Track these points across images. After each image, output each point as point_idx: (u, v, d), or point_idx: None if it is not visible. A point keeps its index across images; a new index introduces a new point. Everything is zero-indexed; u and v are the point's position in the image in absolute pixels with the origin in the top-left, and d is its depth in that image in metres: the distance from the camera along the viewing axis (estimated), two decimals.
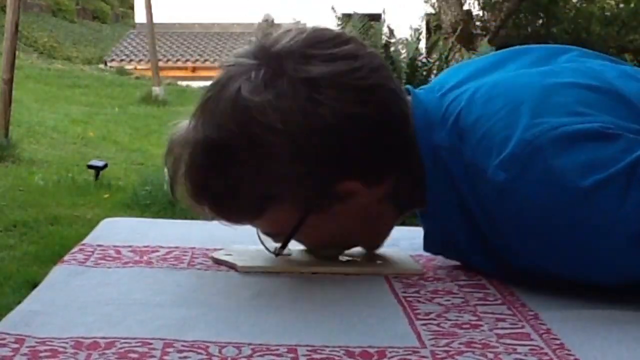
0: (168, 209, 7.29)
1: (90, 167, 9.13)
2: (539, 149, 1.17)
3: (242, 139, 1.25)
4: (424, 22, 15.25)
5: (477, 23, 13.54)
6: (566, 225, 1.16)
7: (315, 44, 1.28)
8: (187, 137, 1.30)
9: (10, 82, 9.91)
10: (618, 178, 1.14)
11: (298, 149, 1.24)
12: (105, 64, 23.89)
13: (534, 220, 1.18)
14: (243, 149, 1.25)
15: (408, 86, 1.37)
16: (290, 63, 1.25)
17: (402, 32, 8.50)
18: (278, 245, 1.37)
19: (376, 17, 8.49)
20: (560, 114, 1.20)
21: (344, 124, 1.24)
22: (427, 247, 1.41)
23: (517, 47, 1.47)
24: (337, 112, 1.24)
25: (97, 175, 8.96)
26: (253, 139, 1.24)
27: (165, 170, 1.36)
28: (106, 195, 8.25)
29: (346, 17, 8.12)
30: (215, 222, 1.36)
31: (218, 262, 1.39)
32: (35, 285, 1.27)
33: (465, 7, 13.13)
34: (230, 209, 1.32)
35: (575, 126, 1.18)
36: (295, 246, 1.39)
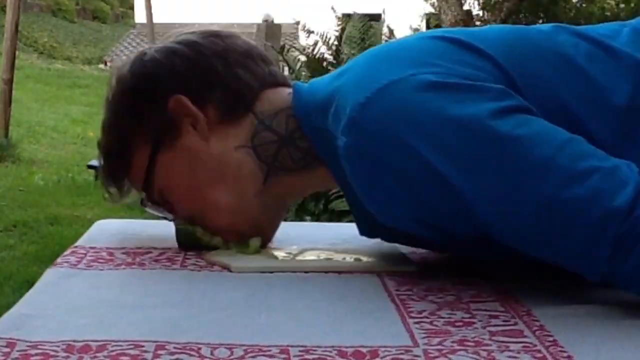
0: None
1: (90, 167, 9.12)
2: (369, 108, 1.18)
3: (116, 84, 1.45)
4: (424, 22, 15.23)
5: (477, 23, 13.53)
6: (406, 179, 1.17)
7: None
8: None
9: (10, 82, 9.92)
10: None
11: (138, 79, 1.43)
12: (105, 64, 23.87)
13: (378, 178, 1.19)
14: (111, 95, 1.46)
15: (294, 82, 1.45)
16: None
17: (402, 32, 8.49)
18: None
19: (376, 17, 8.47)
20: (402, 65, 1.21)
21: (175, 47, 1.44)
22: (360, 231, 1.43)
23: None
24: (175, 42, 1.45)
25: (97, 175, 8.95)
26: (112, 81, 1.46)
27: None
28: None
29: (346, 17, 8.10)
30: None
31: (211, 262, 1.38)
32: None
33: (465, 7, 13.10)
34: (108, 157, 1.47)
35: (413, 77, 1.18)
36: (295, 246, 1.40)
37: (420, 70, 1.19)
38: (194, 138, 1.40)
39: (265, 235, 1.46)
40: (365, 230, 1.42)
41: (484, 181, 1.13)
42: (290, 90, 1.43)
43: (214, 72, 1.41)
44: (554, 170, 1.11)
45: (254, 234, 1.43)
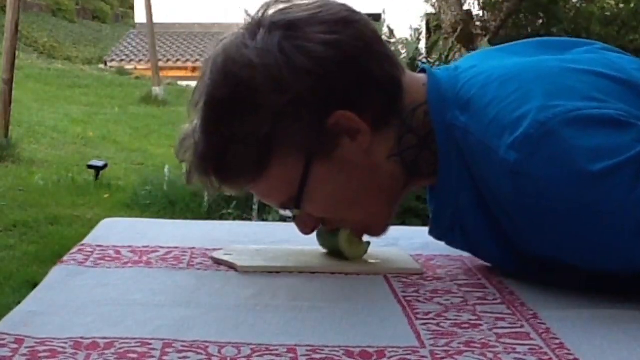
0: (168, 209, 7.31)
1: (90, 167, 9.14)
2: (552, 131, 1.15)
3: (230, 90, 1.28)
4: (424, 22, 15.24)
5: (477, 23, 13.54)
6: (574, 209, 1.15)
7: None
8: (191, 120, 1.34)
9: (10, 82, 9.91)
10: (629, 166, 1.13)
11: (278, 83, 1.25)
12: (105, 64, 23.88)
13: (542, 202, 1.16)
14: (233, 99, 1.28)
15: (424, 65, 1.37)
16: (268, 18, 1.30)
17: (402, 32, 8.48)
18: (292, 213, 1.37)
19: (376, 17, 8.46)
20: (575, 98, 1.19)
21: (318, 52, 1.26)
22: (432, 229, 1.40)
23: (537, 38, 1.47)
24: (312, 42, 1.27)
25: (97, 175, 8.97)
26: (239, 86, 1.27)
27: (181, 163, 1.38)
28: (106, 195, 8.25)
29: None
30: (214, 222, 1.37)
31: (218, 262, 1.39)
32: (35, 285, 1.27)
33: (465, 7, 13.13)
34: (233, 168, 1.31)
35: (590, 111, 1.17)
36: (295, 247, 1.40)
37: (593, 105, 1.19)
38: (352, 151, 1.29)
39: (384, 233, 1.42)
40: (440, 228, 1.39)
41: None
42: (420, 76, 1.35)
43: (367, 74, 1.29)
44: None
45: (376, 234, 1.41)
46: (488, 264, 1.39)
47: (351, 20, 1.31)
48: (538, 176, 1.16)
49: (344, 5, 1.33)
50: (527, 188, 1.17)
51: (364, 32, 1.31)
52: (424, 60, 7.36)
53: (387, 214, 1.38)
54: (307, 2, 1.32)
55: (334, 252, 1.41)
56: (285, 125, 1.27)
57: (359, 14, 1.34)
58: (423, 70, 1.36)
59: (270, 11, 1.31)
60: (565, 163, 1.14)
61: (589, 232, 1.15)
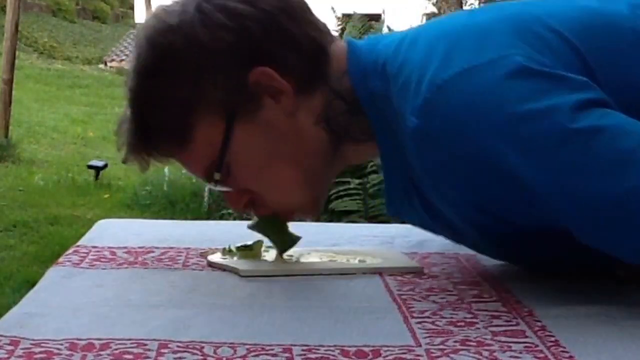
0: (168, 209, 7.31)
1: (90, 167, 9.14)
2: (446, 90, 1.14)
3: (152, 56, 1.27)
4: (424, 22, 15.25)
5: None
6: (474, 167, 1.14)
7: None
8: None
9: (10, 82, 9.92)
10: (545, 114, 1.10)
11: (198, 42, 1.25)
12: (105, 64, 23.88)
13: (451, 162, 1.15)
14: (154, 65, 1.28)
15: (347, 37, 1.36)
16: None
17: None
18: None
19: (376, 17, 8.46)
20: (482, 48, 1.17)
21: (238, 7, 1.26)
22: (388, 204, 1.37)
23: None
24: (216, 8, 1.26)
25: (97, 175, 8.97)
26: (159, 51, 1.27)
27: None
28: (106, 195, 8.26)
29: (346, 17, 8.10)
30: (210, 222, 1.37)
31: (217, 266, 1.38)
32: (35, 285, 1.27)
33: (465, 7, 13.12)
34: (158, 136, 1.30)
35: (496, 62, 1.14)
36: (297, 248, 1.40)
37: (507, 52, 1.15)
38: (276, 112, 1.28)
39: (318, 212, 1.40)
40: (393, 209, 1.37)
41: (563, 175, 1.10)
42: (342, 44, 1.33)
43: (288, 33, 1.28)
44: (636, 163, 1.08)
45: (312, 211, 1.38)
46: (484, 263, 1.39)
47: None
48: (439, 138, 1.14)
49: None
50: (431, 152, 1.16)
51: None
52: None
53: (319, 185, 1.36)
54: None
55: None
56: (205, 84, 1.26)
57: None
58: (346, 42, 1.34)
59: None
60: (469, 112, 1.12)
61: (492, 187, 1.14)
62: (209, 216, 6.81)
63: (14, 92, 10.25)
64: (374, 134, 1.30)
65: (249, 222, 1.40)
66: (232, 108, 1.27)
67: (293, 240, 1.41)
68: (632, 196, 1.08)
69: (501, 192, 1.14)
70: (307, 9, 1.32)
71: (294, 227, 1.41)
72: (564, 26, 1.21)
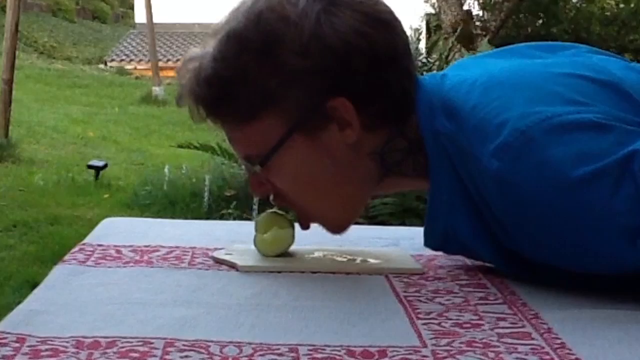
0: (168, 209, 7.31)
1: (90, 167, 9.14)
2: (531, 139, 1.16)
3: (259, 34, 1.29)
4: (424, 22, 15.24)
5: (477, 23, 13.54)
6: (558, 216, 1.16)
7: None
8: (204, 46, 1.35)
9: (10, 82, 9.92)
10: (610, 171, 1.13)
11: (304, 47, 1.27)
12: (105, 64, 23.89)
13: (528, 209, 1.18)
14: (258, 42, 1.29)
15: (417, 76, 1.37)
16: None
17: None
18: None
19: None
20: (556, 103, 1.20)
21: (351, 37, 1.28)
22: (427, 240, 1.40)
23: (522, 44, 1.47)
24: (348, 25, 1.28)
25: (97, 175, 8.97)
26: (268, 35, 1.28)
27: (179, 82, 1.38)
28: (106, 195, 8.26)
29: None
30: (215, 222, 1.37)
31: (219, 261, 1.39)
32: (35, 285, 1.27)
33: (465, 7, 13.13)
34: (227, 105, 1.32)
35: (570, 116, 1.17)
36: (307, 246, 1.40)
37: (578, 109, 1.19)
38: (336, 140, 1.30)
39: (344, 230, 1.42)
40: (435, 239, 1.39)
41: None
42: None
43: (384, 80, 1.31)
44: None
45: (338, 230, 1.41)
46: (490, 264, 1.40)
47: (391, 26, 1.33)
48: (520, 184, 1.17)
49: (389, 8, 1.34)
50: (510, 195, 1.18)
51: (397, 42, 1.33)
52: (424, 60, 7.36)
53: (353, 210, 1.40)
54: None
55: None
56: (290, 88, 1.28)
57: (399, 22, 1.35)
58: None
59: None
60: (545, 170, 1.15)
61: (575, 238, 1.16)
62: (209, 216, 6.81)
63: (14, 92, 10.24)
64: (425, 171, 1.33)
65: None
66: (298, 119, 1.30)
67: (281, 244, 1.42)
68: None
69: (580, 233, 1.17)
70: (409, 57, 1.35)
71: (297, 228, 1.42)
72: (627, 84, 1.27)
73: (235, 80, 1.30)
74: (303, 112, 1.29)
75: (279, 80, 1.28)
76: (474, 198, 1.27)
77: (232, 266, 1.36)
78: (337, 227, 1.42)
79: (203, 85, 1.32)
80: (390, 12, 1.34)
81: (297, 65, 1.27)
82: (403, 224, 1.42)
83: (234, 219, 6.38)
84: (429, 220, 1.37)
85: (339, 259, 1.42)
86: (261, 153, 1.32)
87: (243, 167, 1.38)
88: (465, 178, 1.27)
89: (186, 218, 6.41)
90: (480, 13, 14.64)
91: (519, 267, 1.30)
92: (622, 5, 15.85)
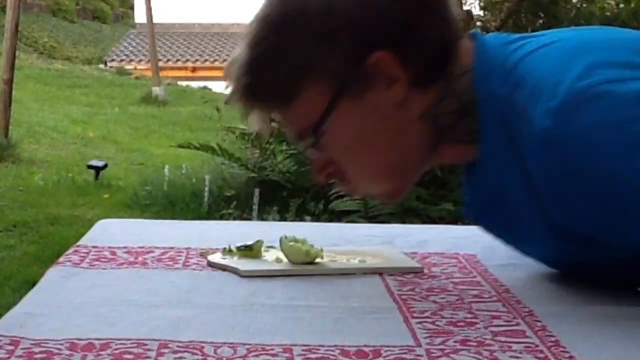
0: (168, 209, 7.31)
1: (90, 167, 9.15)
2: (589, 100, 1.12)
3: (283, 10, 1.28)
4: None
5: (477, 23, 13.53)
6: (612, 178, 1.10)
7: None
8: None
9: (10, 82, 9.92)
10: None
11: (328, 6, 1.25)
12: (105, 64, 23.88)
13: (578, 173, 1.12)
14: (283, 18, 1.27)
15: (474, 31, 1.34)
16: None
17: None
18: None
19: None
20: (619, 66, 1.16)
21: None
22: (469, 209, 1.36)
23: None
24: None
25: (97, 175, 8.97)
26: (292, 7, 1.27)
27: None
28: (106, 195, 8.26)
29: None
30: (210, 222, 1.36)
31: (218, 267, 1.38)
32: (35, 285, 1.27)
33: (465, 7, 13.11)
34: (267, 86, 1.30)
35: (631, 84, 1.13)
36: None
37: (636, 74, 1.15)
38: (384, 98, 1.26)
39: (400, 199, 1.39)
40: (478, 206, 1.35)
41: None
42: (470, 43, 1.31)
43: (420, 25, 1.26)
44: None
45: (392, 199, 1.38)
46: (484, 263, 1.39)
47: None
48: (573, 145, 1.12)
49: None
50: (561, 157, 1.13)
51: None
52: None
53: (406, 178, 1.35)
54: None
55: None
56: (326, 50, 1.25)
57: None
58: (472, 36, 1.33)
59: None
60: (600, 132, 1.11)
61: (625, 204, 1.11)
62: (209, 216, 6.82)
63: (14, 92, 10.24)
64: (477, 137, 1.28)
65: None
66: (343, 82, 1.26)
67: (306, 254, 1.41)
68: None
69: (619, 205, 1.12)
70: (446, 7, 1.30)
71: (294, 227, 1.41)
72: None
73: (269, 60, 1.28)
74: (344, 75, 1.26)
75: (311, 48, 1.26)
76: (527, 168, 1.21)
77: (234, 271, 1.35)
78: (393, 198, 1.38)
79: (242, 75, 1.30)
80: None
81: (325, 27, 1.25)
82: (403, 224, 1.42)
83: (234, 219, 6.38)
84: (474, 186, 1.33)
85: (337, 259, 1.41)
86: (311, 125, 1.29)
87: (305, 155, 1.34)
88: (519, 145, 1.21)
89: (186, 218, 6.41)
90: (481, 13, 14.62)
91: (567, 253, 1.25)
92: (622, 5, 15.82)
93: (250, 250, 1.42)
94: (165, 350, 0.98)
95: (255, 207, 6.52)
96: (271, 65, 1.28)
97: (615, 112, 1.11)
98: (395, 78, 1.25)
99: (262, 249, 1.43)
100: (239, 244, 1.43)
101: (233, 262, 1.38)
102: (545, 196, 1.17)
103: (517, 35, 1.32)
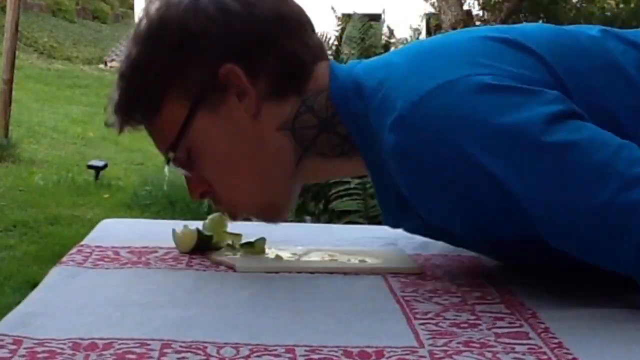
0: (168, 209, 7.30)
1: (90, 167, 9.14)
2: (422, 107, 1.16)
3: (146, 26, 1.34)
4: (424, 22, 15.24)
5: (477, 23, 13.53)
6: (455, 184, 1.17)
7: None
8: None
9: (10, 82, 9.91)
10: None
11: (182, 20, 1.30)
12: (105, 64, 23.87)
13: (427, 179, 1.18)
14: (145, 33, 1.33)
15: (331, 60, 1.38)
16: None
17: (402, 32, 8.47)
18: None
19: (376, 17, 8.47)
20: (452, 67, 1.20)
21: (232, 5, 1.31)
22: (386, 216, 1.41)
23: None
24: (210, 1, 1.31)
25: (97, 175, 8.96)
26: (153, 21, 1.33)
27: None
28: (106, 195, 8.25)
29: (346, 17, 8.11)
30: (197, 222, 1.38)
31: (216, 262, 1.39)
32: (35, 286, 1.27)
33: (465, 7, 13.12)
34: (134, 95, 1.35)
35: (468, 79, 1.17)
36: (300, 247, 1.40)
37: (474, 71, 1.18)
38: (238, 110, 1.31)
39: (281, 218, 1.42)
40: (390, 221, 1.41)
41: (539, 185, 1.12)
42: (327, 65, 1.36)
43: (271, 41, 1.32)
44: (610, 176, 1.10)
45: (269, 216, 1.41)
46: (487, 265, 1.39)
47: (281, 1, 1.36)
48: (420, 151, 1.17)
49: None
50: (409, 167, 1.19)
51: (286, 12, 1.34)
52: None
53: (276, 192, 1.38)
54: None
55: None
56: (183, 62, 1.31)
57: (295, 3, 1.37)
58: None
59: None
60: (441, 140, 1.16)
61: (467, 203, 1.18)
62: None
63: (14, 92, 10.23)
64: (350, 152, 1.33)
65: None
66: (198, 94, 1.31)
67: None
68: (606, 209, 1.10)
69: (484, 201, 1.17)
70: (302, 26, 1.36)
71: (294, 228, 1.41)
72: (538, 45, 1.25)
73: (134, 74, 1.33)
74: (199, 88, 1.31)
75: (168, 61, 1.31)
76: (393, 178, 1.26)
77: (230, 267, 1.36)
78: (269, 214, 1.41)
79: (114, 91, 1.36)
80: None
81: (180, 40, 1.30)
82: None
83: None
84: (380, 195, 1.37)
85: (337, 259, 1.42)
86: (172, 140, 1.34)
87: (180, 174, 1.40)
88: (382, 157, 1.26)
89: (186, 218, 6.40)
90: (480, 13, 14.63)
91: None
92: (622, 5, 15.83)
93: (252, 247, 1.43)
94: (168, 350, 0.98)
95: None
96: (134, 77, 1.34)
97: (450, 114, 1.15)
98: (244, 91, 1.31)
99: (265, 246, 1.43)
100: (242, 242, 1.44)
101: (230, 258, 1.39)
102: (410, 200, 1.24)
103: (381, 60, 1.35)
